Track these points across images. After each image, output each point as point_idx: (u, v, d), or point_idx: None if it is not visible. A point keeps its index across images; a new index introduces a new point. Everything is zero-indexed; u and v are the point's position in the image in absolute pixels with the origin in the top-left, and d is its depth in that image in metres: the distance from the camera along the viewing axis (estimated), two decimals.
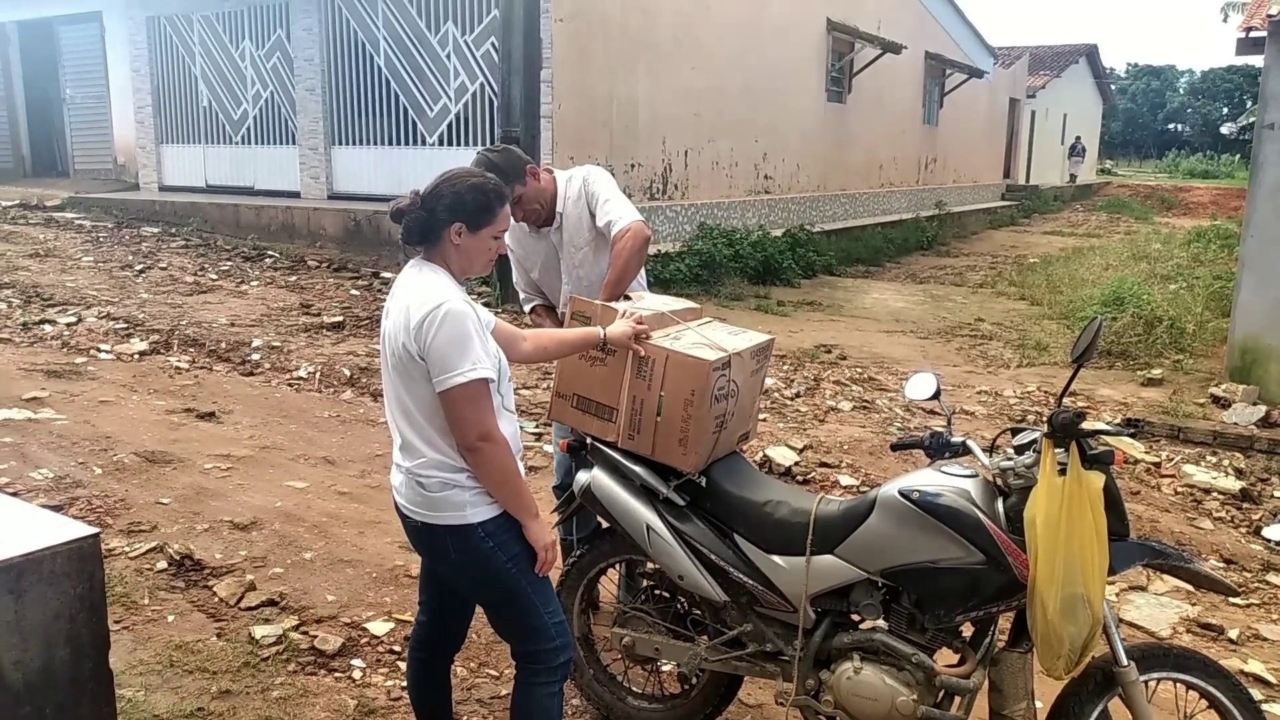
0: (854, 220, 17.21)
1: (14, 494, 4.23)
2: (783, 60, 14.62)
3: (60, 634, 2.01)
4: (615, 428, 2.83)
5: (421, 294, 2.31)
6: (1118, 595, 4.26)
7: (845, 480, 5.44)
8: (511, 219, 2.75)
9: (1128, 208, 28.14)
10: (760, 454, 5.64)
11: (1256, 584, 4.58)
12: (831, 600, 2.69)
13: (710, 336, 2.86)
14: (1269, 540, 5.04)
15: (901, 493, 2.55)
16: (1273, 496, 5.67)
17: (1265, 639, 4.04)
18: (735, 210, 13.81)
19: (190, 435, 5.63)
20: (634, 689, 3.17)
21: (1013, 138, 28.55)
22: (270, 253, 11.73)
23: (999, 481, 2.56)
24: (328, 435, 5.84)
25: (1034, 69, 30.19)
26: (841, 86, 16.80)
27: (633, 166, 11.71)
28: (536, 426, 5.95)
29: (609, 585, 3.33)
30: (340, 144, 13.13)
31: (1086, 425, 2.41)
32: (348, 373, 7.09)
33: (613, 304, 2.97)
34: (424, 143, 12.23)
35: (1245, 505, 5.48)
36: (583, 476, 2.90)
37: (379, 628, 3.66)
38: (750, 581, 2.72)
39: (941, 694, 2.58)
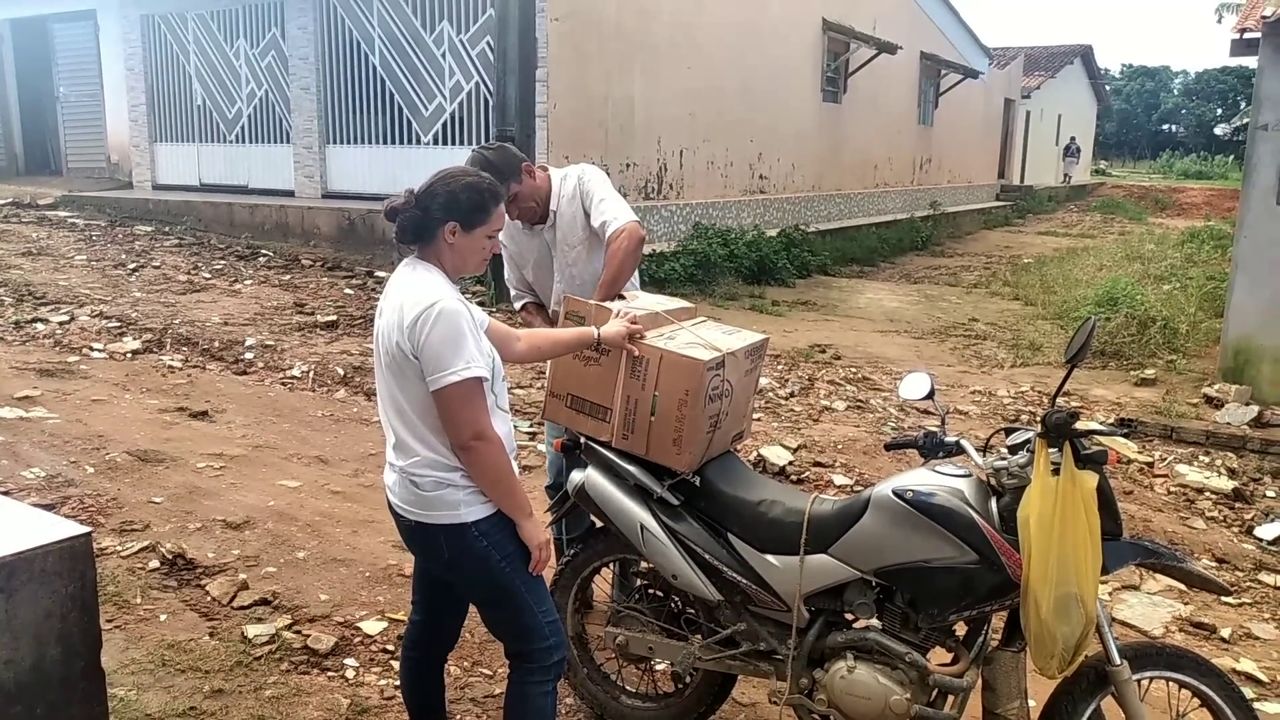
0: (849, 220, 17.23)
1: (5, 492, 4.22)
2: (778, 60, 14.63)
3: (52, 633, 2.01)
4: (609, 427, 2.83)
5: (415, 293, 2.30)
6: (1111, 594, 4.27)
7: (839, 480, 5.44)
8: (506, 217, 2.74)
9: (1122, 208, 28.17)
10: (754, 453, 5.65)
11: (1249, 583, 4.60)
12: (825, 599, 2.70)
13: (704, 336, 2.86)
14: (1261, 540, 5.05)
15: (895, 492, 2.55)
16: (1265, 496, 5.69)
17: (1257, 638, 4.05)
18: (730, 210, 13.82)
19: (183, 434, 5.62)
20: (628, 688, 3.17)
21: (1007, 138, 28.60)
22: (264, 251, 11.71)
23: (993, 481, 2.57)
24: (321, 434, 5.83)
25: (1029, 69, 30.23)
26: (837, 86, 16.81)
27: (628, 166, 11.71)
28: (530, 426, 5.94)
29: (603, 584, 3.33)
30: (335, 143, 13.11)
31: (1080, 425, 2.42)
32: (341, 372, 7.07)
33: (607, 304, 2.97)
34: (419, 142, 12.20)
35: (1238, 505, 5.49)
36: (576, 476, 2.90)
37: (372, 627, 3.66)
38: (744, 581, 2.72)
39: (935, 693, 2.59)
